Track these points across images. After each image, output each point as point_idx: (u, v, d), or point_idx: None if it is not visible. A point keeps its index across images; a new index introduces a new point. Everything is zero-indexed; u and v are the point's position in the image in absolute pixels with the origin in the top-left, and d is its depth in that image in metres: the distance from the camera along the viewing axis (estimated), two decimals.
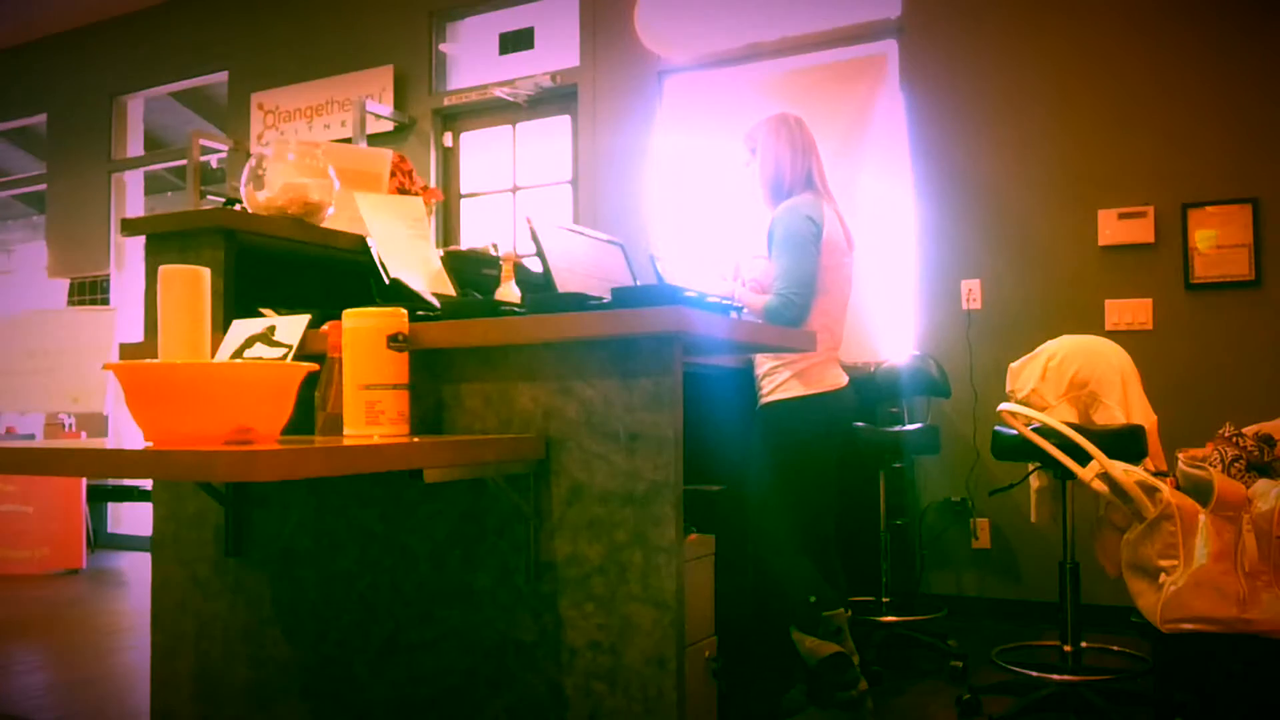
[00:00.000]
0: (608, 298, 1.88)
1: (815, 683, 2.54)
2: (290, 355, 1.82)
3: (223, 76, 6.45)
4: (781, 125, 2.77)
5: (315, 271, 2.41)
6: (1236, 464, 2.51)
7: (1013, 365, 3.24)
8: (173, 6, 6.65)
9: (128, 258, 6.86)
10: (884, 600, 3.58)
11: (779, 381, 2.62)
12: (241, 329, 1.91)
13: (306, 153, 2.29)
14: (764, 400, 2.66)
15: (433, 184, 5.54)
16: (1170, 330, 3.92)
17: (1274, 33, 3.83)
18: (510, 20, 5.58)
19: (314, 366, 1.57)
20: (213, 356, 1.80)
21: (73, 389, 5.75)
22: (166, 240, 2.17)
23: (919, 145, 4.36)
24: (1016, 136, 4.21)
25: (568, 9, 5.30)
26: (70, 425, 6.30)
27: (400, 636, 1.92)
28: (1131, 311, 3.98)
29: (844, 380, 2.69)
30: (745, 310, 2.66)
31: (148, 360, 1.52)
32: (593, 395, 1.74)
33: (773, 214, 2.69)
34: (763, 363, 2.67)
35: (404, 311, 1.75)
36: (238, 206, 2.29)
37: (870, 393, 3.91)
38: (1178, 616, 2.28)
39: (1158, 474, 2.58)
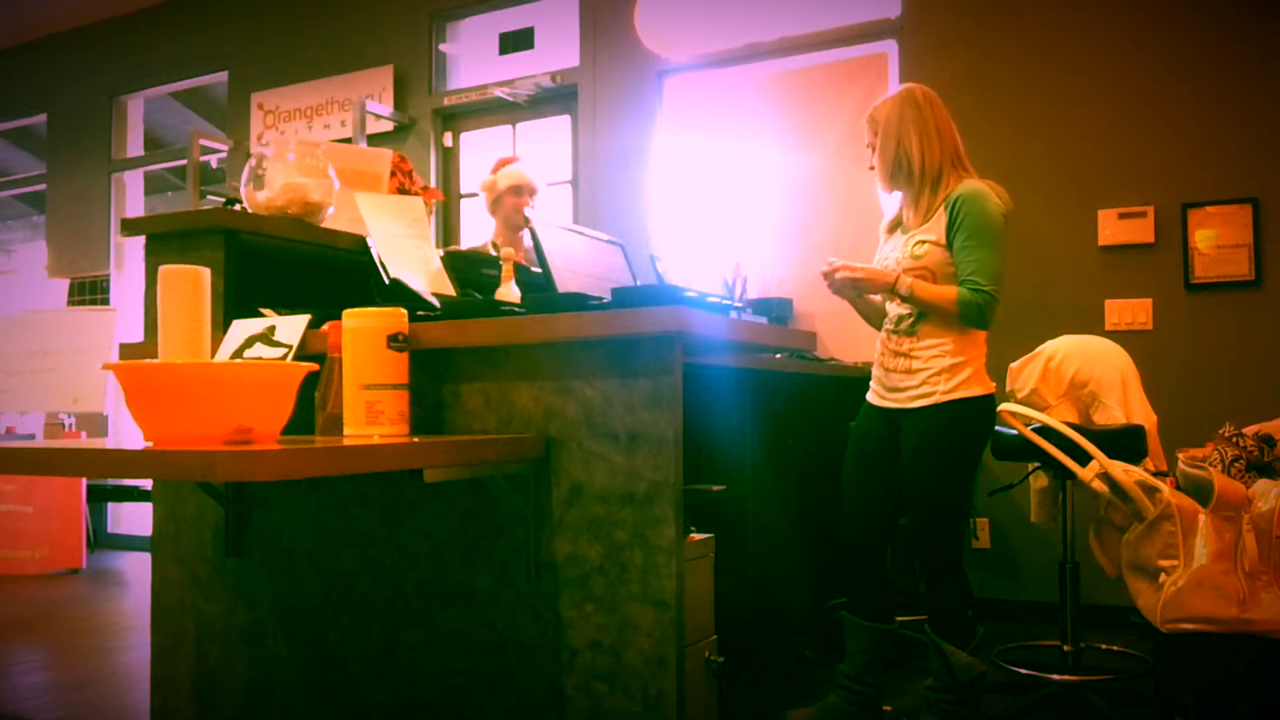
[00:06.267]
0: (608, 298, 1.88)
1: (962, 695, 2.42)
2: (290, 355, 1.82)
3: (223, 76, 6.46)
4: (908, 103, 2.55)
5: (315, 271, 2.41)
6: (1236, 464, 2.51)
7: (1013, 365, 3.25)
8: (173, 6, 6.65)
9: (128, 258, 6.86)
10: None
11: (964, 377, 2.43)
12: (241, 329, 1.91)
13: (306, 153, 2.29)
14: (945, 396, 2.42)
15: (433, 184, 5.54)
16: (1170, 330, 3.92)
17: (1274, 33, 3.83)
18: (510, 20, 5.58)
19: (314, 366, 1.57)
20: (213, 356, 1.80)
21: (73, 389, 5.75)
22: (166, 240, 2.17)
23: None
24: (1016, 136, 4.20)
25: (568, 9, 5.30)
26: (70, 425, 6.30)
27: (400, 636, 1.92)
28: (1131, 311, 3.98)
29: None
30: (920, 300, 2.41)
31: (148, 360, 1.52)
32: (593, 395, 1.74)
33: (955, 192, 2.44)
34: (929, 360, 2.46)
35: (404, 311, 1.75)
36: (238, 206, 2.29)
37: None
38: (1178, 616, 2.28)
39: (1158, 474, 2.58)
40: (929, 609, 2.50)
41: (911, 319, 2.49)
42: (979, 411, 2.46)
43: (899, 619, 3.02)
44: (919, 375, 2.47)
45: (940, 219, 2.45)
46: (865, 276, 2.47)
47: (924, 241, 2.47)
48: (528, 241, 3.87)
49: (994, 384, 2.53)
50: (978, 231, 2.41)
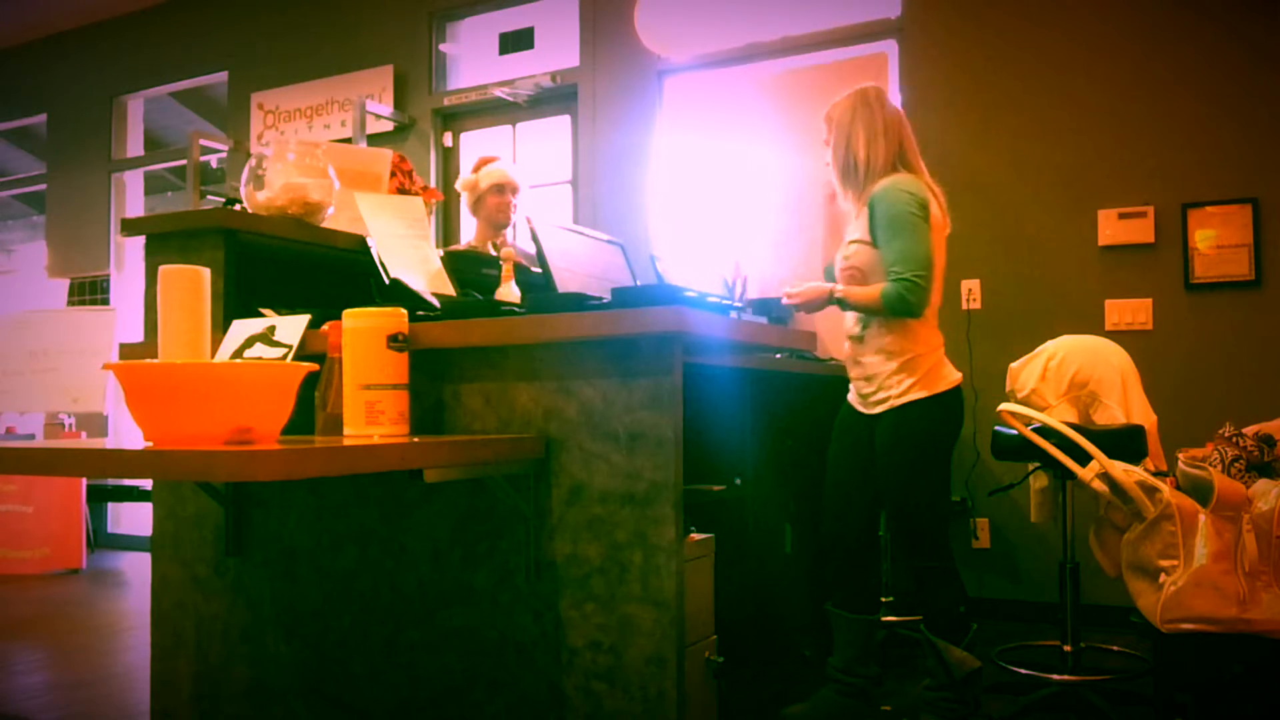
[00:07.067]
0: (608, 298, 1.88)
1: (959, 692, 2.42)
2: (290, 355, 1.82)
3: (223, 76, 6.46)
4: (860, 103, 2.57)
5: (315, 271, 2.41)
6: (1236, 464, 2.51)
7: (1013, 365, 3.25)
8: (173, 6, 6.65)
9: (128, 258, 6.86)
10: (885, 600, 3.58)
11: (916, 377, 2.45)
12: (241, 329, 1.91)
13: (306, 153, 2.29)
14: (900, 400, 2.46)
15: (433, 184, 5.54)
16: (1170, 330, 3.92)
17: (1273, 34, 3.83)
18: (510, 20, 5.58)
19: (314, 366, 1.57)
20: (213, 356, 1.80)
21: (73, 389, 5.75)
22: (166, 240, 2.17)
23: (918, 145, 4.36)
24: (1016, 136, 4.21)
25: (568, 9, 5.30)
26: (70, 425, 6.30)
27: (400, 636, 1.92)
28: (1131, 311, 3.98)
29: (959, 376, 2.54)
30: (853, 304, 2.46)
31: (148, 360, 1.52)
32: (593, 395, 1.74)
33: (871, 194, 2.49)
34: (877, 365, 2.50)
35: (404, 311, 1.75)
36: (238, 206, 2.29)
37: None
38: (1178, 616, 2.28)
39: (1158, 474, 2.58)
40: (921, 607, 2.51)
41: (861, 325, 2.52)
42: (938, 408, 2.47)
43: (899, 619, 3.03)
44: (874, 381, 2.51)
45: (864, 218, 2.49)
46: (803, 299, 2.52)
47: (853, 241, 2.51)
48: (510, 239, 3.88)
49: (957, 375, 2.52)
50: (890, 223, 2.43)
